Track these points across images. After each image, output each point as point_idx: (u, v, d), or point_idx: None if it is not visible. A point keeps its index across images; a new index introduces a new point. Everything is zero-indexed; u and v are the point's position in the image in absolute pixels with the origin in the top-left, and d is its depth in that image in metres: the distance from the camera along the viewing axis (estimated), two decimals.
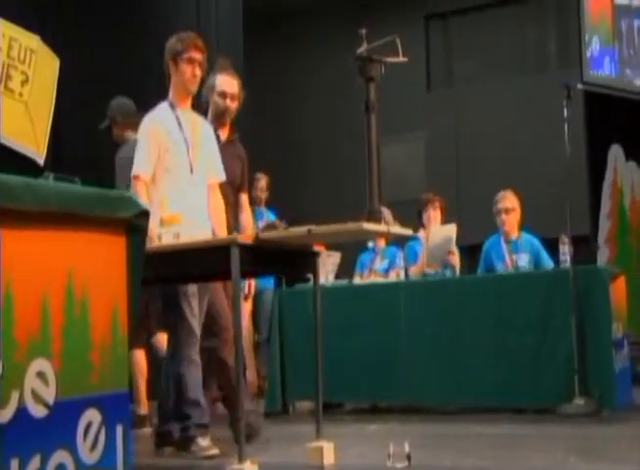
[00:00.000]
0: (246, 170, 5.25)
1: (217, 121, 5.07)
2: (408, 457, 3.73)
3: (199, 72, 4.59)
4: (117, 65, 8.05)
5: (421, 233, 6.98)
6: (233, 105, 5.08)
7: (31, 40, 7.21)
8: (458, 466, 3.98)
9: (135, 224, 2.72)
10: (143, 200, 4.35)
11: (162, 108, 4.64)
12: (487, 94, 9.85)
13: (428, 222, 7.04)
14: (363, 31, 4.05)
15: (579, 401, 5.44)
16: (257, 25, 10.09)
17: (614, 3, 9.08)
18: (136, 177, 4.49)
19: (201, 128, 4.69)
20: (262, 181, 7.59)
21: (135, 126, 5.91)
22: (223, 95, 5.04)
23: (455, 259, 6.80)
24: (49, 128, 7.23)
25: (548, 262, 6.57)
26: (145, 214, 2.76)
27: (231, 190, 5.07)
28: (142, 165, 4.51)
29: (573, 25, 9.20)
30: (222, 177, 4.74)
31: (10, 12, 6.96)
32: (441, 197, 7.27)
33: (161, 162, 4.49)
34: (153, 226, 4.31)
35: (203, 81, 4.68)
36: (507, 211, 6.71)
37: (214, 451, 4.33)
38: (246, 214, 5.25)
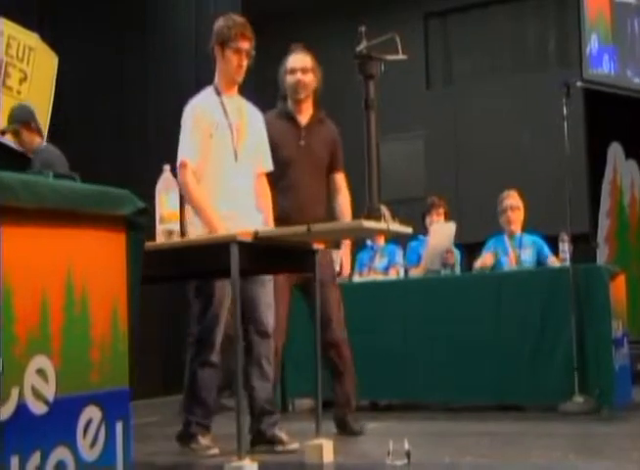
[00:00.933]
0: (338, 150, 5.05)
1: (293, 100, 4.96)
2: (408, 455, 3.73)
3: (245, 63, 4.42)
4: (116, 62, 8.06)
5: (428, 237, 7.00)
6: (305, 77, 4.93)
7: (30, 38, 7.20)
8: (457, 463, 3.98)
9: (135, 221, 2.71)
10: (192, 188, 4.25)
11: (207, 93, 4.49)
12: (487, 92, 9.85)
13: (430, 227, 7.05)
14: (363, 29, 4.04)
15: (579, 399, 5.45)
16: (256, 24, 10.08)
17: (612, 1, 9.08)
18: (183, 165, 4.29)
19: (247, 114, 4.52)
20: None
21: (39, 133, 6.10)
22: (293, 71, 4.93)
23: (452, 258, 6.80)
24: (47, 126, 7.22)
25: (550, 256, 6.58)
26: (144, 211, 2.75)
27: (317, 175, 4.95)
28: (188, 152, 4.32)
29: (573, 23, 9.20)
30: (269, 167, 4.57)
31: (9, 10, 6.96)
32: (441, 195, 7.29)
33: (205, 149, 4.32)
34: (213, 217, 4.20)
35: (249, 70, 4.49)
36: (513, 208, 6.72)
37: (214, 451, 4.32)
38: (342, 197, 5.04)
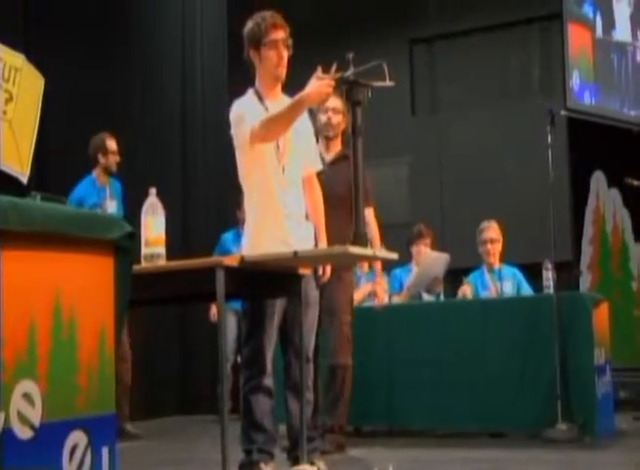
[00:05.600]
0: (366, 185, 4.84)
1: (323, 137, 5.28)
2: None
3: (285, 53, 4.17)
4: (103, 83, 8.06)
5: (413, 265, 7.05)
6: (336, 118, 5.25)
7: (16, 59, 7.17)
8: None
9: (122, 245, 2.70)
10: (264, 120, 4.00)
11: (249, 98, 4.21)
12: (472, 119, 9.89)
13: (417, 257, 7.06)
14: (351, 55, 4.03)
15: (562, 427, 5.45)
16: (240, 46, 10.11)
17: (594, 37, 9.17)
18: (252, 133, 4.05)
19: None
20: None
21: None
22: (326, 110, 5.15)
23: (439, 287, 6.81)
24: (33, 147, 7.18)
25: (528, 292, 6.61)
26: (132, 235, 2.74)
27: (336, 209, 4.78)
28: (249, 124, 4.07)
29: (556, 54, 9.28)
30: (318, 166, 4.41)
31: None
32: (426, 223, 7.31)
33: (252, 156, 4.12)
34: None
35: (290, 61, 4.22)
36: (492, 241, 6.73)
37: None
38: (370, 230, 5.07)
